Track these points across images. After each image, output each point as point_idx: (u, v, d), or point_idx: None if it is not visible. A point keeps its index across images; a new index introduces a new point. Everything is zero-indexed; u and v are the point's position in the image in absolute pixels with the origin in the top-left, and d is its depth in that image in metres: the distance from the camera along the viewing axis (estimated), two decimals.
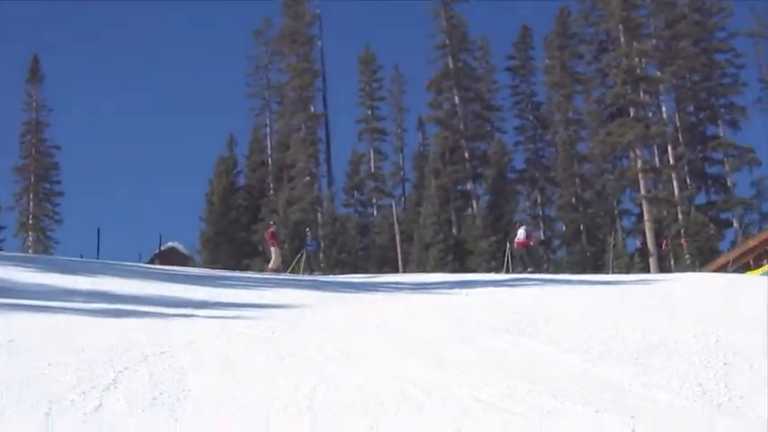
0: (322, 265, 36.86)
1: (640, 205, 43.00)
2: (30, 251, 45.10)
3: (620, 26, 43.57)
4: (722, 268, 29.80)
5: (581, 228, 45.75)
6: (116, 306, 9.26)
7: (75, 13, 78.90)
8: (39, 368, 5.51)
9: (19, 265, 14.08)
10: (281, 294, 12.44)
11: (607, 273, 31.03)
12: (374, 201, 50.80)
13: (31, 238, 49.92)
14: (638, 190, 42.91)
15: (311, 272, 26.18)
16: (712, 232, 40.28)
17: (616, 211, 46.07)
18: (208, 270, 23.99)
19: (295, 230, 38.68)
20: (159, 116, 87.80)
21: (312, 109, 49.63)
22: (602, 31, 47.56)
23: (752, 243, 31.87)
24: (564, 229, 48.19)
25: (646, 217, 41.53)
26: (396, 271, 33.58)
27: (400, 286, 15.63)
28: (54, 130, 53.75)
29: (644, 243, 39.54)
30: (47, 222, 51.34)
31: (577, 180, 47.48)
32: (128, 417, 4.30)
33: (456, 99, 48.70)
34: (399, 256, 37.70)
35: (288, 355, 6.41)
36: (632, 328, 7.91)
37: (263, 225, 37.09)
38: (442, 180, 45.59)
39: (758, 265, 27.31)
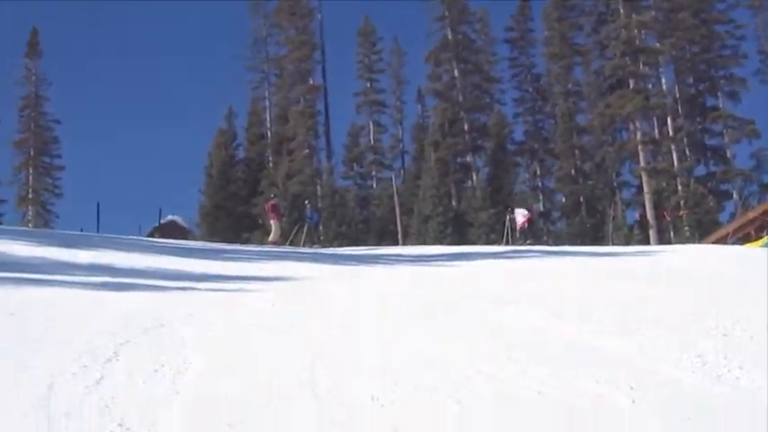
0: (322, 237, 36.92)
1: (640, 177, 43.02)
2: (30, 225, 45.03)
3: None
4: (722, 240, 29.84)
5: (580, 200, 45.78)
6: (116, 279, 9.27)
7: None
8: (39, 341, 5.53)
9: (19, 239, 14.06)
10: (281, 267, 12.46)
11: (607, 244, 31.11)
12: (373, 173, 50.73)
13: (30, 212, 49.92)
14: (638, 162, 42.93)
15: (311, 244, 26.21)
16: (712, 204, 40.31)
17: (615, 183, 46.05)
18: (207, 243, 24.01)
19: (294, 203, 38.69)
20: (158, 88, 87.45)
21: (311, 81, 49.49)
22: (601, 3, 47.13)
23: (751, 215, 31.90)
24: (563, 201, 48.25)
25: (645, 189, 41.57)
26: (395, 243, 33.61)
27: (400, 258, 15.65)
28: (54, 104, 53.62)
29: (643, 215, 39.55)
30: (47, 196, 51.31)
31: (577, 152, 47.43)
32: (129, 389, 4.31)
33: (455, 71, 48.50)
34: (399, 228, 37.66)
35: (288, 326, 6.44)
36: (632, 299, 7.95)
37: (263, 198, 37.10)
38: (442, 152, 45.48)
39: (758, 237, 27.31)
